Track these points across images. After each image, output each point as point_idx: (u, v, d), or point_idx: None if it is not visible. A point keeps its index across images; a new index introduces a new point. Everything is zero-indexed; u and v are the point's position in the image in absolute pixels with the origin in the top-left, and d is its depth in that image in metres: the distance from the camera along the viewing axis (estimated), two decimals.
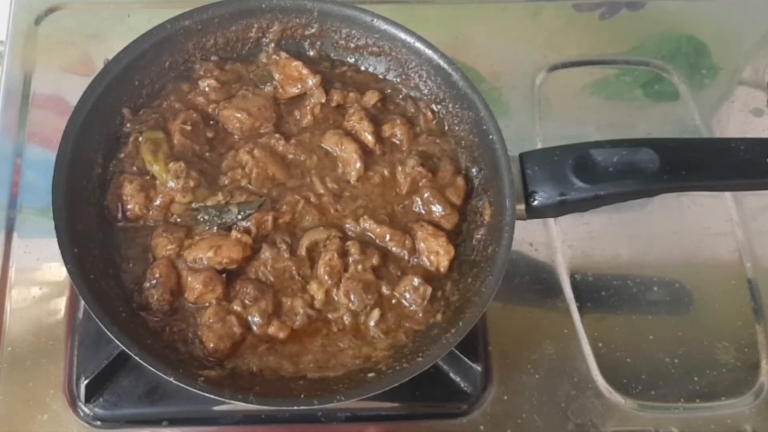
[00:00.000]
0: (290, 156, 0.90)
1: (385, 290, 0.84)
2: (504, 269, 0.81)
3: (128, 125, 0.90)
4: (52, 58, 1.09)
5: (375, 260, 0.84)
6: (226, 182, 0.87)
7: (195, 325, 0.81)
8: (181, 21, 0.92)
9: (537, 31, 1.21)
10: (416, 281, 0.84)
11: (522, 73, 1.15)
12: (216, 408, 0.88)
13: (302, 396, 0.75)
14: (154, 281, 0.81)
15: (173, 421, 0.87)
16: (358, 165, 0.89)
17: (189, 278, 0.81)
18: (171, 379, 0.73)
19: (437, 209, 0.88)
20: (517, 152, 0.88)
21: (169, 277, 0.81)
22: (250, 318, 0.81)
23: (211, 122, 0.92)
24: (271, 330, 0.81)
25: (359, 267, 0.84)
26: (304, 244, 0.85)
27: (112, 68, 0.88)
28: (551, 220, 1.02)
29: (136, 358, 0.73)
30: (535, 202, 0.86)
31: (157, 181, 0.86)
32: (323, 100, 0.93)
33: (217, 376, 0.77)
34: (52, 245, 0.77)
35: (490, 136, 0.87)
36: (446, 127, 0.95)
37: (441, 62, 0.91)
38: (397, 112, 0.95)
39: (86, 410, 0.87)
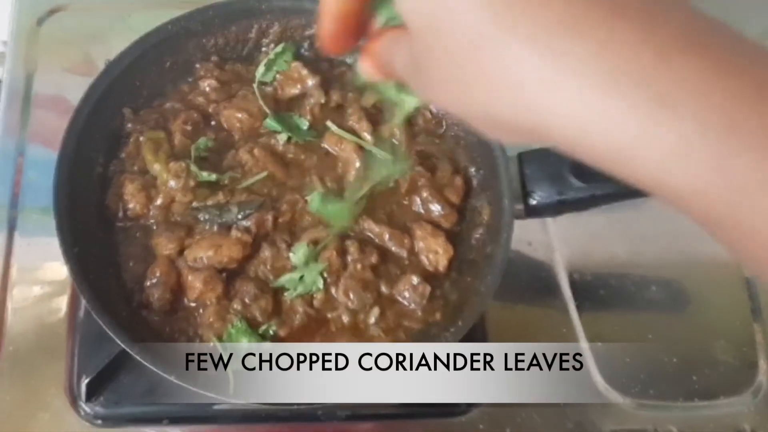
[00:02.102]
0: (290, 155, 0.91)
1: (384, 289, 0.84)
2: (503, 268, 0.81)
3: (129, 125, 0.90)
4: (54, 58, 1.09)
5: (374, 259, 0.85)
6: (226, 182, 0.88)
7: (195, 324, 0.81)
8: (181, 22, 0.92)
9: None
10: (415, 280, 0.84)
11: None
12: (217, 407, 0.88)
13: None
14: (154, 280, 0.81)
15: (174, 420, 0.87)
16: (358, 164, 0.90)
17: (189, 277, 0.81)
18: (172, 378, 0.73)
19: (436, 208, 0.89)
20: (515, 152, 0.88)
21: (169, 276, 0.82)
22: (250, 316, 0.81)
23: (212, 122, 0.92)
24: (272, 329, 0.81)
25: (358, 266, 0.84)
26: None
27: (114, 69, 0.88)
28: (549, 219, 1.02)
29: (137, 357, 0.74)
30: (534, 202, 0.86)
31: (158, 181, 0.86)
32: (323, 101, 0.93)
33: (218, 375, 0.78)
34: (53, 244, 0.77)
35: None
36: (445, 127, 0.95)
37: None
38: None
39: (87, 409, 0.87)
